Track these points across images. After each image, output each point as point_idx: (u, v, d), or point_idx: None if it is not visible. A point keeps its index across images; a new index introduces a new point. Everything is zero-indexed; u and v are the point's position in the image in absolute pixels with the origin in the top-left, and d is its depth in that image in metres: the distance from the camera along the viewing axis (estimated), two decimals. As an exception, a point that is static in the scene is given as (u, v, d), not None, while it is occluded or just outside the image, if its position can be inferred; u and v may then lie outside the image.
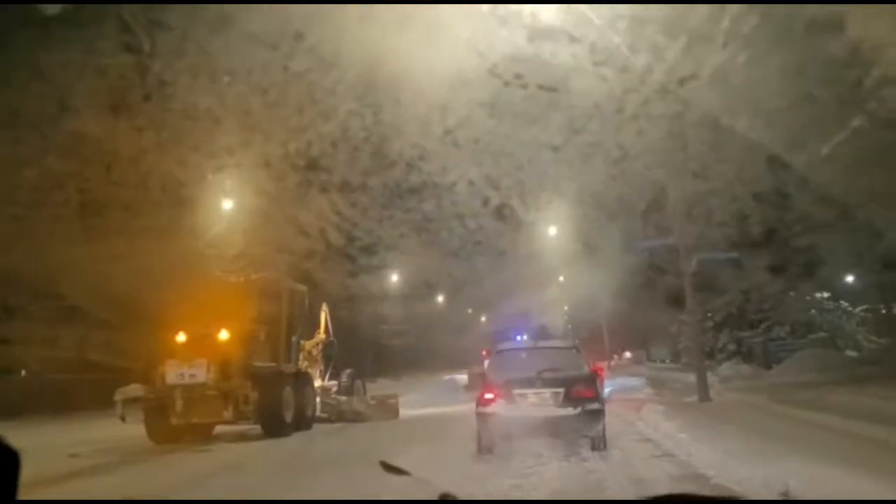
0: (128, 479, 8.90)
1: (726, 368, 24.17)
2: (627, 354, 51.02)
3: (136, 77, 11.03)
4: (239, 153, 12.18)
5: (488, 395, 9.59)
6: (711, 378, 21.72)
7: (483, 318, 43.98)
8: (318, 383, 15.98)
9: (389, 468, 2.04)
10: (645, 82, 10.47)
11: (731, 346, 27.60)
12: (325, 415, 15.31)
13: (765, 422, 11.12)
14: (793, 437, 9.01)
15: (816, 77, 10.36)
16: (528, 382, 9.48)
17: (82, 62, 10.86)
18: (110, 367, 17.58)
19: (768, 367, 23.02)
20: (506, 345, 11.56)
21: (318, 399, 15.27)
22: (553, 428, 9.32)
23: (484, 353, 22.97)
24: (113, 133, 11.88)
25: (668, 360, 42.93)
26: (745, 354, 26.25)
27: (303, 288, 15.78)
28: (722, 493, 5.01)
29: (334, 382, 16.86)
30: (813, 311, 26.23)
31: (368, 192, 14.68)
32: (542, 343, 11.52)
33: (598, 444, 9.45)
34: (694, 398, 16.14)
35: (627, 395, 20.14)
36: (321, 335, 17.01)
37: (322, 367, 16.77)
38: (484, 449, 9.46)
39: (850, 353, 24.57)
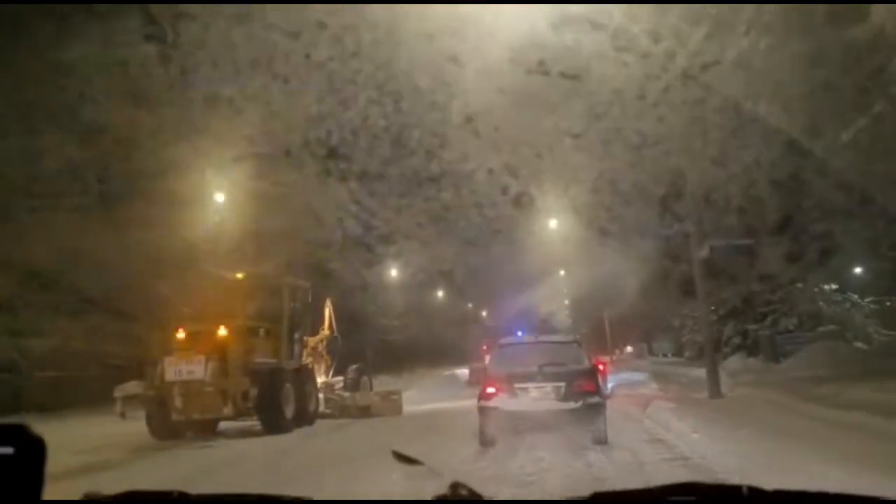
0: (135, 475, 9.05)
1: (734, 362, 23.88)
2: (628, 349, 50.80)
3: (157, 67, 11.05)
4: (259, 142, 12.21)
5: (490, 390, 9.74)
6: (719, 372, 22.02)
7: (484, 314, 43.95)
8: (322, 379, 16.09)
9: (401, 458, 2.04)
10: (667, 69, 10.46)
11: (736, 340, 27.30)
12: (328, 411, 15.42)
13: (784, 420, 10.45)
14: (818, 437, 8.52)
15: (838, 63, 10.36)
16: (530, 376, 9.60)
17: (103, 53, 10.88)
18: (102, 363, 17.63)
19: (776, 360, 22.51)
20: (507, 339, 11.59)
21: (321, 395, 15.37)
22: (554, 422, 9.36)
23: (484, 348, 23.05)
24: (133, 124, 11.92)
25: (669, 355, 42.82)
26: (750, 347, 25.89)
27: (306, 284, 15.83)
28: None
29: (340, 378, 16.90)
30: (821, 303, 25.66)
31: (387, 180, 14.67)
32: (544, 337, 11.66)
33: (600, 437, 9.50)
34: (704, 394, 15.59)
35: (631, 390, 19.89)
36: (325, 331, 17.11)
37: (328, 363, 16.90)
38: (486, 442, 9.60)
39: (860, 345, 23.94)
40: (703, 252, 15.38)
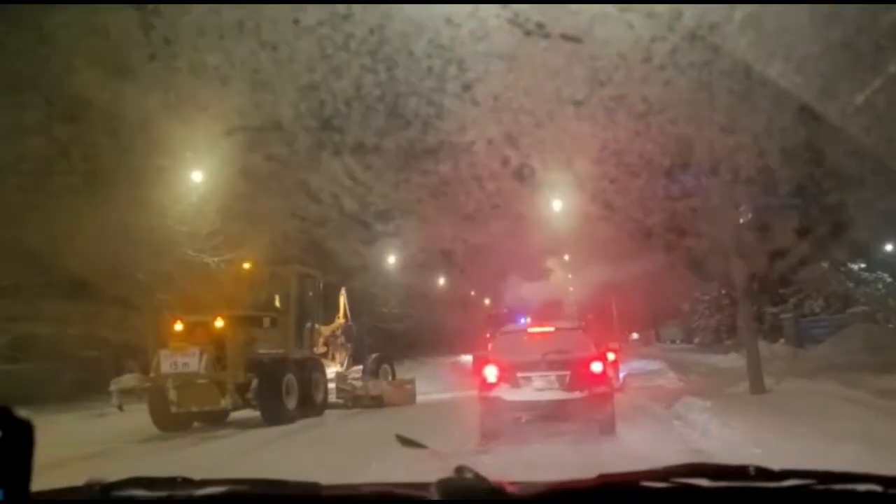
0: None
1: (759, 348, 22.29)
2: (634, 335, 50.06)
3: (140, 35, 10.60)
4: (248, 114, 11.76)
5: (491, 379, 9.41)
6: (739, 359, 19.62)
7: (487, 301, 43.50)
8: (337, 369, 16.02)
9: (406, 441, 2.03)
10: (673, 29, 9.98)
11: (752, 324, 26.21)
12: (340, 401, 15.30)
13: (879, 427, 7.73)
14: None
15: (853, 20, 9.87)
16: (533, 365, 9.28)
17: (81, 19, 10.43)
18: (74, 355, 17.28)
19: (800, 345, 20.89)
20: (509, 327, 11.34)
21: (333, 385, 15.26)
22: (559, 412, 9.15)
23: (487, 335, 22.69)
24: (117, 96, 11.47)
25: (678, 341, 42.38)
26: (767, 332, 24.18)
27: (316, 273, 15.74)
28: None
29: (359, 367, 16.72)
30: (850, 283, 24.06)
31: (383, 153, 14.23)
32: (547, 324, 11.15)
33: (607, 428, 9.20)
34: (739, 387, 13.31)
35: (647, 381, 18.30)
36: (340, 320, 17.10)
37: (347, 352, 16.94)
38: (488, 435, 9.20)
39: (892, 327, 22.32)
40: (741, 216, 13.61)
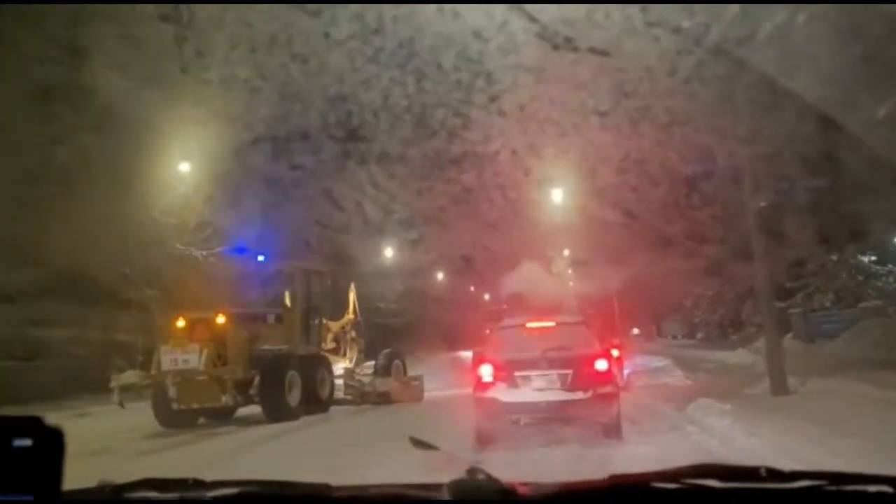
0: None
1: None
2: (635, 330, 49.56)
3: (173, 48, 10.77)
4: (278, 125, 11.93)
5: (486, 378, 8.61)
6: (749, 355, 19.85)
7: (486, 297, 43.40)
8: (346, 365, 15.83)
9: (418, 443, 2.01)
10: (700, 43, 10.13)
11: (757, 319, 24.32)
12: (348, 397, 15.14)
13: None
14: None
15: (877, 35, 10.00)
16: (532, 363, 8.52)
17: (117, 35, 10.60)
18: (65, 352, 17.19)
19: (810, 340, 20.06)
20: (506, 321, 10.43)
21: (340, 381, 15.07)
22: (561, 415, 8.40)
23: (488, 332, 22.56)
24: (149, 106, 11.66)
25: (680, 336, 42.23)
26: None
27: (324, 268, 15.69)
28: None
29: (371, 363, 16.65)
30: (861, 277, 23.40)
31: (408, 162, 14.36)
32: (547, 318, 10.08)
33: (613, 432, 8.52)
34: (758, 388, 12.33)
35: (653, 378, 17.61)
36: (350, 316, 16.87)
37: (359, 348, 16.77)
38: (483, 440, 8.49)
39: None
40: (762, 202, 12.40)
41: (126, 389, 12.46)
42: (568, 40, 10.13)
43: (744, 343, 24.02)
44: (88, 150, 13.73)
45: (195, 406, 12.11)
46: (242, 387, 12.18)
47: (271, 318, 13.55)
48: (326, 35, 10.39)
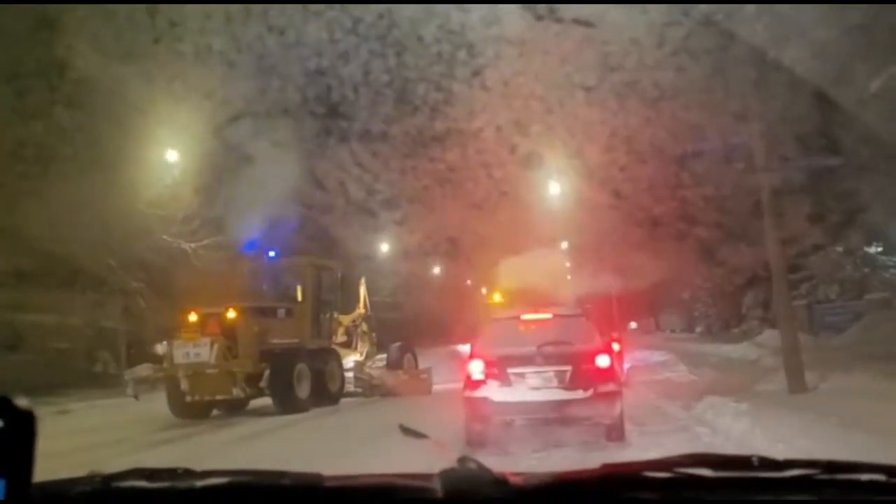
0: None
1: (771, 337, 19.59)
2: (633, 324, 49.24)
3: (145, 19, 10.45)
4: (255, 100, 11.62)
5: (477, 376, 8.02)
6: (753, 349, 19.66)
7: (483, 290, 43.20)
8: (356, 358, 16.14)
9: (408, 431, 2.02)
10: (688, 14, 9.82)
11: (758, 311, 24.91)
12: (359, 390, 15.43)
13: None
14: None
15: (870, 3, 9.72)
16: (527, 359, 7.91)
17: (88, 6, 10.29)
18: (52, 346, 16.98)
19: (814, 333, 19.35)
20: (499, 314, 9.90)
21: (350, 374, 15.39)
22: (558, 415, 7.80)
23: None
24: (120, 80, 11.34)
25: (678, 330, 42.10)
26: (772, 321, 22.26)
27: (332, 264, 16.00)
28: None
29: (383, 356, 16.91)
30: (866, 268, 22.64)
31: (390, 140, 14.07)
32: (543, 310, 9.37)
33: (616, 434, 7.99)
34: (771, 384, 11.64)
35: (654, 374, 16.97)
36: (360, 310, 17.18)
37: (371, 342, 17.09)
38: (473, 443, 7.90)
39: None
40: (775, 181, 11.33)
41: (140, 381, 12.84)
42: (551, 10, 9.83)
43: (746, 336, 23.69)
44: (65, 128, 13.43)
45: (207, 398, 12.45)
46: (253, 380, 12.45)
47: (282, 313, 13.84)
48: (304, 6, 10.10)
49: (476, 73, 11.06)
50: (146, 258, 16.79)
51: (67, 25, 10.89)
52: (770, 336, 20.11)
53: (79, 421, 12.86)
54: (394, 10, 10.11)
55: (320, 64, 10.86)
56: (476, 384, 7.99)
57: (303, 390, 13.01)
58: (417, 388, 15.47)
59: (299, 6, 9.63)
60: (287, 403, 12.59)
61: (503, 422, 8.06)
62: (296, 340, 13.73)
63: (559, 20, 10.03)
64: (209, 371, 12.15)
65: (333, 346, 15.44)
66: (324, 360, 14.25)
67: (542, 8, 9.88)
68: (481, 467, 1.45)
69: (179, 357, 12.32)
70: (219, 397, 12.55)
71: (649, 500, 1.46)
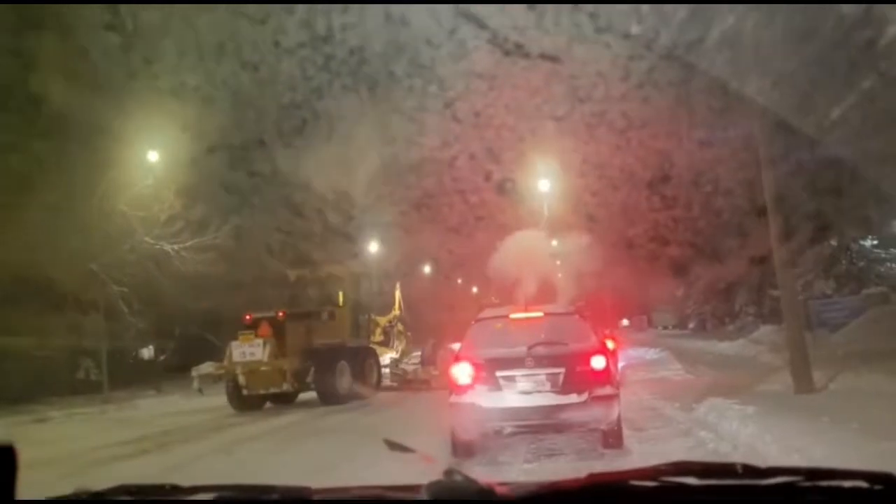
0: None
1: (768, 333, 19.75)
2: (625, 321, 49.03)
3: (120, 56, 10.62)
4: (231, 133, 11.80)
5: (464, 380, 7.41)
6: (750, 346, 19.39)
7: (475, 290, 43.38)
8: (392, 355, 17.79)
9: (393, 445, 1.98)
10: (650, 48, 10.10)
11: (751, 308, 24.72)
12: (394, 384, 16.75)
13: None
14: None
15: (827, 38, 10.01)
16: (517, 362, 7.30)
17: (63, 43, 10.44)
18: (35, 354, 17.08)
19: (811, 330, 17.69)
20: (486, 312, 9.00)
21: (387, 370, 16.97)
22: (551, 421, 7.23)
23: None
24: (92, 112, 11.48)
25: (670, 327, 42.06)
26: (766, 316, 22.53)
27: (370, 273, 18.10)
28: None
29: (419, 353, 18.14)
30: (861, 262, 22.09)
31: (366, 169, 14.29)
32: (535, 309, 8.69)
33: (614, 440, 7.46)
34: (775, 384, 11.12)
35: (650, 372, 16.36)
36: (396, 311, 19.06)
37: (408, 340, 18.97)
38: (460, 452, 7.39)
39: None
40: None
41: (204, 378, 14.27)
42: (518, 46, 10.07)
43: (741, 333, 23.30)
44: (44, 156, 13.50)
45: (261, 392, 13.95)
46: (300, 375, 14.02)
47: (325, 316, 15.31)
48: (276, 44, 10.30)
49: (448, 105, 11.30)
50: (128, 261, 16.92)
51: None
52: (766, 332, 20.05)
53: (64, 429, 12.85)
54: (365, 48, 10.34)
55: (294, 98, 11.06)
56: (463, 389, 7.38)
57: (343, 384, 14.45)
58: (446, 383, 16.49)
59: (272, 47, 9.83)
60: (329, 396, 13.97)
61: (492, 429, 7.46)
62: (338, 340, 15.15)
63: (526, 55, 10.27)
64: (262, 368, 13.53)
65: (371, 345, 17.00)
66: (362, 358, 15.79)
67: (509, 44, 10.12)
68: (468, 478, 1.45)
69: (237, 356, 13.69)
70: (271, 391, 13.98)
71: None
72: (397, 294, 19.14)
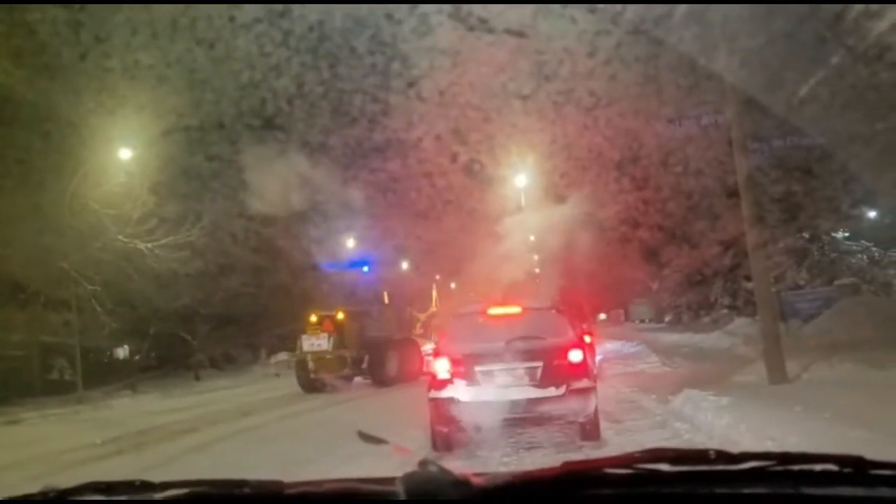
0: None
1: (743, 326, 20.13)
2: (602, 315, 49.18)
3: (69, 34, 10.18)
4: (188, 114, 11.39)
5: (443, 375, 7.57)
6: (725, 338, 19.47)
7: (453, 286, 43.25)
8: (432, 346, 19.23)
9: (367, 437, 2.04)
10: (617, 22, 9.91)
11: (725, 300, 24.90)
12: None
13: None
14: None
15: (795, 11, 9.89)
16: (495, 356, 7.44)
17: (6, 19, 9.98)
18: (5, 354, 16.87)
19: (783, 320, 17.49)
20: (464, 308, 9.17)
21: (426, 358, 18.58)
22: (529, 414, 7.41)
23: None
24: (47, 96, 11.04)
25: (647, 320, 42.20)
26: (740, 308, 22.94)
27: (411, 275, 22.61)
28: None
29: None
30: (833, 254, 22.48)
31: (329, 152, 13.95)
32: (512, 304, 8.84)
33: (591, 432, 7.61)
34: (750, 375, 11.34)
35: (627, 365, 16.72)
36: (433, 308, 22.51)
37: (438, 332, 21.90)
38: (439, 446, 7.56)
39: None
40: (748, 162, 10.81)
41: (280, 364, 17.47)
42: (482, 21, 9.82)
43: (717, 325, 23.47)
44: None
45: (325, 376, 16.36)
46: (357, 362, 16.75)
47: (375, 312, 18.73)
48: (231, 18, 9.94)
49: (411, 83, 11.02)
50: (100, 260, 16.51)
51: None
52: (740, 324, 20.41)
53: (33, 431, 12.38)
54: (325, 23, 10.01)
55: (253, 77, 10.69)
56: (441, 384, 7.52)
57: (391, 370, 16.95)
58: None
59: (227, 21, 9.46)
60: (380, 380, 16.47)
61: (471, 423, 7.51)
62: (385, 333, 17.97)
63: (491, 30, 10.02)
64: (327, 356, 16.31)
65: (414, 338, 20.09)
66: (406, 348, 18.60)
67: (473, 18, 9.86)
68: (442, 469, 1.45)
69: (307, 346, 16.56)
70: (335, 375, 16.33)
71: (610, 497, 1.49)
72: (434, 293, 23.02)
